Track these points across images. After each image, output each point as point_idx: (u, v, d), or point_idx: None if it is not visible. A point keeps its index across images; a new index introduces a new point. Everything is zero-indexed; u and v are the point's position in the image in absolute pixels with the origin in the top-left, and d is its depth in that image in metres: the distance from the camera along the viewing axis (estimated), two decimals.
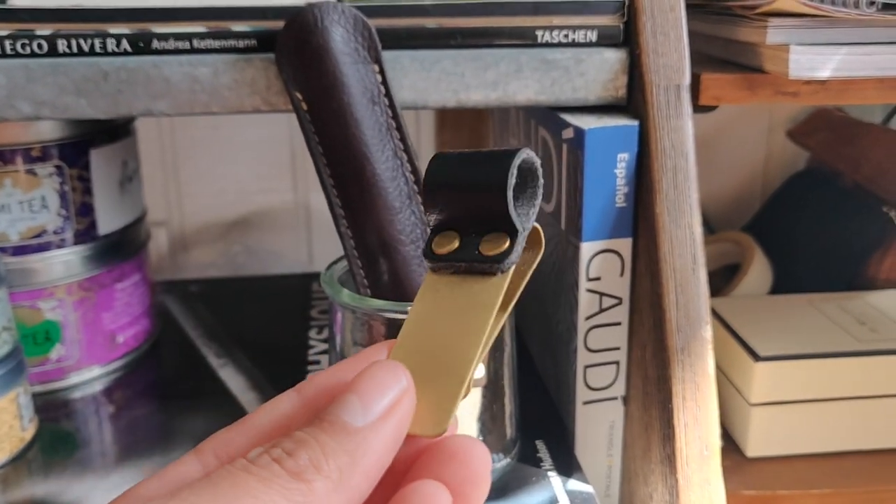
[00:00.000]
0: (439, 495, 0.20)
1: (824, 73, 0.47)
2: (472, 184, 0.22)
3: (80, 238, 0.51)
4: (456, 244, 0.23)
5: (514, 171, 0.21)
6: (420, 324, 0.22)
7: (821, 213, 0.78)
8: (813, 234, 0.77)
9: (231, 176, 0.78)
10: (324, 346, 0.55)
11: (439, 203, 0.22)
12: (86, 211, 0.51)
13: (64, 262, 0.51)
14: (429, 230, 0.23)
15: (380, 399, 0.20)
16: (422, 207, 0.39)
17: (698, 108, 0.51)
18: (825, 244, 0.75)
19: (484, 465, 0.21)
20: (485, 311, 0.22)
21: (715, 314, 0.64)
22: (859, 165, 0.76)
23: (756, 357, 0.58)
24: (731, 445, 0.61)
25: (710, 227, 0.89)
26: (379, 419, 0.20)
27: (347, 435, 0.19)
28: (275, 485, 0.18)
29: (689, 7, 0.55)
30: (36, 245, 0.49)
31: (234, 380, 0.53)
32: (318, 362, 0.53)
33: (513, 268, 0.22)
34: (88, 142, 0.50)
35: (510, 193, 0.22)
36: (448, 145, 0.77)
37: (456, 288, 0.22)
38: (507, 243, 0.22)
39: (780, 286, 0.74)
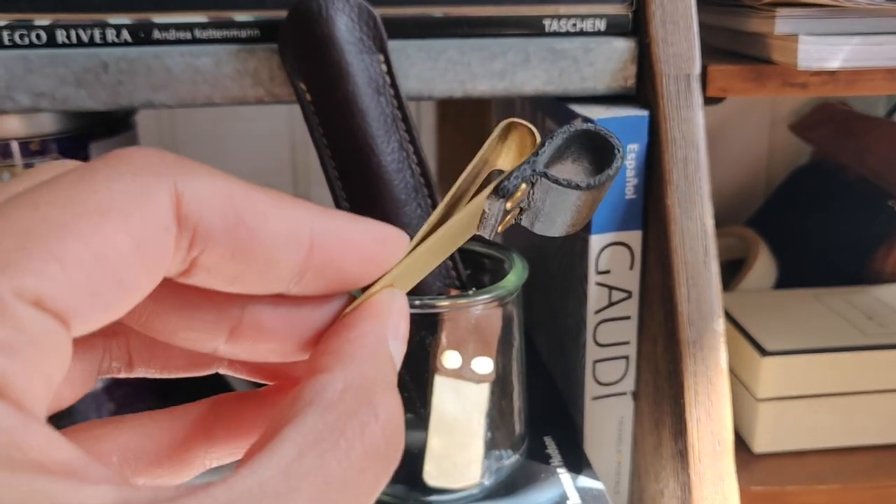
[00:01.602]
0: None
1: (834, 64, 0.47)
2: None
3: None
4: (514, 204, 0.23)
5: None
6: (434, 241, 0.22)
7: (825, 207, 0.77)
8: (818, 228, 0.76)
9: (231, 170, 0.77)
10: None
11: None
12: None
13: None
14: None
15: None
16: (428, 199, 0.38)
17: (706, 99, 0.51)
18: (830, 238, 0.75)
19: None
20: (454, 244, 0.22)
21: None
22: (863, 158, 0.76)
23: (763, 352, 0.57)
24: (737, 441, 0.60)
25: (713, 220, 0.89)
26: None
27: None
28: None
29: None
30: None
31: (235, 379, 0.52)
32: None
33: None
34: (88, 135, 0.49)
35: None
36: (449, 139, 0.76)
37: (469, 222, 0.22)
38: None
39: (785, 280, 0.73)
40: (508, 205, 0.22)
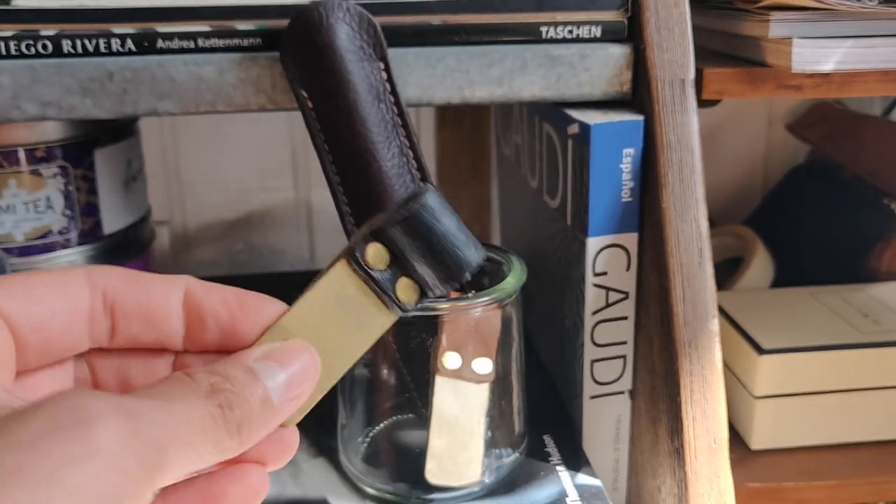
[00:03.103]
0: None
1: (827, 66, 0.47)
2: (440, 251, 0.24)
3: (84, 238, 0.51)
4: (383, 266, 0.24)
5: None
6: (315, 309, 0.24)
7: (822, 206, 0.78)
8: (814, 227, 0.77)
9: (232, 174, 0.78)
10: None
11: (401, 232, 0.23)
12: (90, 211, 0.51)
13: (69, 262, 0.51)
14: (368, 232, 0.24)
15: (299, 387, 0.22)
16: None
17: (701, 102, 0.52)
18: (827, 237, 0.75)
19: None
20: (369, 333, 0.24)
21: (718, 308, 0.64)
22: (859, 158, 0.76)
23: (760, 350, 0.58)
24: (735, 438, 0.61)
25: (711, 220, 0.89)
26: (290, 404, 0.22)
27: (268, 408, 0.21)
28: (210, 427, 0.20)
29: (691, 1, 0.55)
30: (41, 245, 0.49)
31: None
32: None
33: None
34: (92, 142, 0.50)
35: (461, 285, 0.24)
36: (448, 142, 0.77)
37: (358, 297, 0.24)
38: (417, 299, 0.24)
39: (782, 279, 0.74)
40: (378, 264, 0.23)
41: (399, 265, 0.24)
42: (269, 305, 0.24)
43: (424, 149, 0.83)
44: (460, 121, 0.77)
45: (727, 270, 0.77)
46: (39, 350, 0.21)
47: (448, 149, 0.78)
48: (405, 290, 0.24)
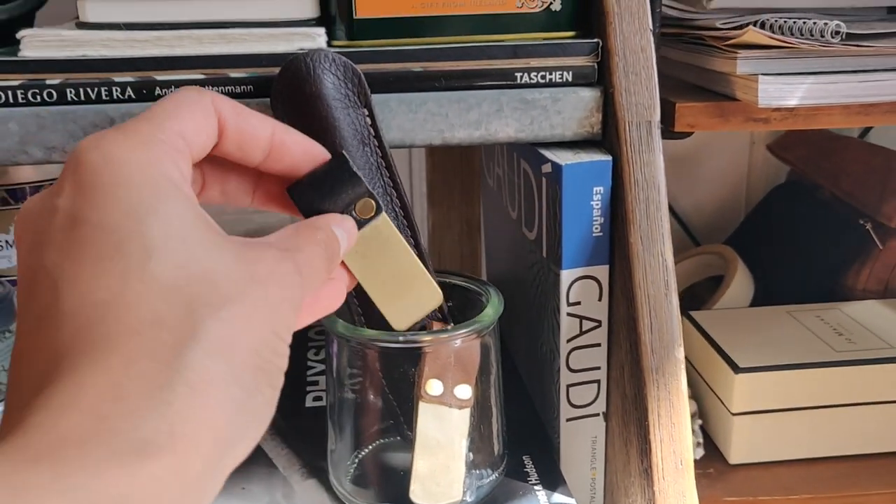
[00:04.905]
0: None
1: (792, 102, 0.50)
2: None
3: None
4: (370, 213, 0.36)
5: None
6: (369, 263, 0.37)
7: (800, 226, 0.80)
8: (793, 246, 0.79)
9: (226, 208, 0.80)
10: (322, 367, 0.58)
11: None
12: None
13: None
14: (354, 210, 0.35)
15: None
16: (411, 240, 0.41)
17: (674, 134, 0.54)
18: (805, 256, 0.78)
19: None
20: (395, 238, 0.37)
21: (697, 327, 0.67)
22: (838, 179, 0.79)
23: (736, 369, 0.60)
24: (714, 453, 0.63)
25: (695, 239, 0.92)
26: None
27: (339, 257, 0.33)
28: (325, 263, 0.31)
29: (664, 36, 0.57)
30: None
31: None
32: (316, 383, 0.56)
33: (383, 214, 0.36)
34: None
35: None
36: (439, 168, 0.79)
37: (372, 238, 0.36)
38: (374, 207, 0.36)
39: (762, 297, 0.76)
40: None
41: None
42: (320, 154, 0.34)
43: (416, 171, 0.86)
44: (450, 150, 0.79)
45: (708, 289, 0.79)
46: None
47: (439, 172, 0.80)
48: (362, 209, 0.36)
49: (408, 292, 0.38)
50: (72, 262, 0.23)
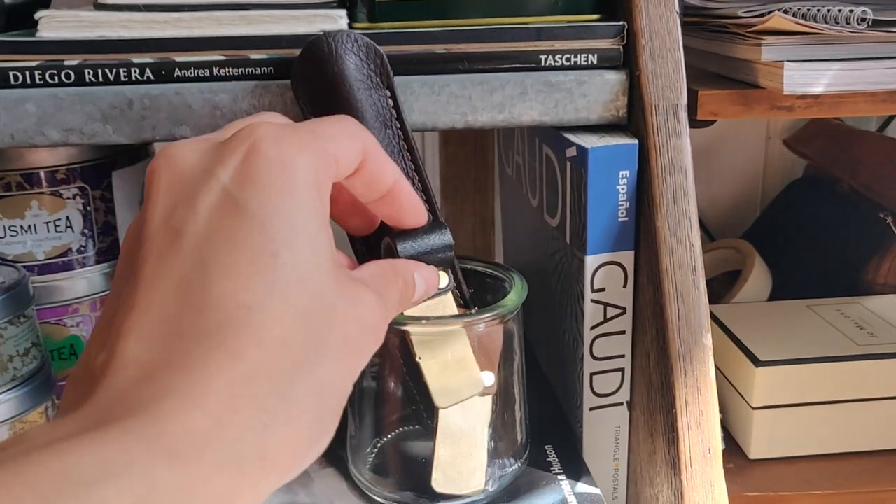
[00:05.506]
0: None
1: (817, 89, 0.49)
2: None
3: (102, 256, 0.53)
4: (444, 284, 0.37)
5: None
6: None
7: (819, 220, 0.80)
8: (811, 240, 0.78)
9: None
10: None
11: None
12: (108, 230, 0.53)
13: (87, 280, 0.52)
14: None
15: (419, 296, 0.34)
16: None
17: (696, 122, 0.53)
18: (823, 250, 0.77)
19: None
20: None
21: (716, 320, 0.66)
22: (856, 172, 0.78)
23: (757, 362, 0.59)
24: (734, 448, 0.62)
25: (710, 234, 0.91)
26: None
27: (411, 300, 0.33)
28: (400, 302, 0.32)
29: (686, 25, 0.56)
30: (61, 264, 0.51)
31: None
32: None
33: (450, 292, 0.38)
34: (110, 164, 0.52)
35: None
36: (452, 162, 0.79)
37: (435, 309, 0.38)
38: (449, 281, 0.37)
39: (780, 292, 0.75)
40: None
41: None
42: (423, 212, 0.35)
43: (430, 165, 0.85)
44: (464, 138, 0.79)
45: (726, 283, 0.78)
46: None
47: (452, 165, 0.80)
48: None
49: (456, 374, 0.38)
50: (228, 252, 0.24)
